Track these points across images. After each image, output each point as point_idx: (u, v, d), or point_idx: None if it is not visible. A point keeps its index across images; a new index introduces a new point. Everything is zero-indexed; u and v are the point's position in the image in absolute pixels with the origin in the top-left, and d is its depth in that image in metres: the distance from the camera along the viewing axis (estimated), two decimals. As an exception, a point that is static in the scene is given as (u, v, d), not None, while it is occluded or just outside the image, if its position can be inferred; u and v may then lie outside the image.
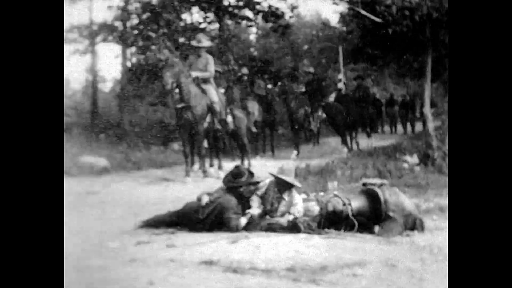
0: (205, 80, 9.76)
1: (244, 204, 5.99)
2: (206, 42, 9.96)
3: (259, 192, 6.04)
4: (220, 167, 10.22)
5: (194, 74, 9.54)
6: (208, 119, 9.67)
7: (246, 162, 10.38)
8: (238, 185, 5.99)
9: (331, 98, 13.36)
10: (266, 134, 13.63)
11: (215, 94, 9.77)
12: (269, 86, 14.34)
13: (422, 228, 5.93)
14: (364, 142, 13.60)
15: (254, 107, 12.57)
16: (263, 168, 6.56)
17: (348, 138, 13.35)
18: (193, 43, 9.96)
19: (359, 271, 4.34)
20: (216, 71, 10.07)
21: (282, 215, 5.88)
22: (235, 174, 6.07)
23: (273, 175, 6.07)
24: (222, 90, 10.35)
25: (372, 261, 4.60)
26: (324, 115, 13.71)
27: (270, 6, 16.44)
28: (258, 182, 6.12)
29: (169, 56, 9.29)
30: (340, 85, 13.92)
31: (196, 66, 9.69)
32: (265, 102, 13.27)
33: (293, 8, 16.55)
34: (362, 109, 13.49)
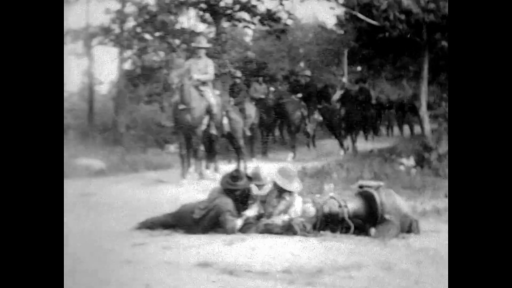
0: (203, 83, 9.78)
1: (241, 206, 6.00)
2: (205, 44, 10.10)
3: (261, 193, 6.04)
4: (216, 169, 10.22)
5: (196, 76, 9.56)
6: (205, 121, 9.66)
7: (242, 165, 10.38)
8: (235, 188, 6.00)
9: (336, 96, 13.33)
10: (264, 137, 13.63)
11: (212, 97, 9.78)
12: (272, 88, 14.32)
13: (418, 230, 5.92)
14: (360, 144, 13.60)
15: (251, 110, 12.57)
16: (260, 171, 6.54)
17: (346, 140, 13.36)
18: (193, 44, 10.13)
19: (355, 273, 4.34)
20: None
21: (279, 213, 5.87)
22: (234, 177, 6.08)
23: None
24: (218, 92, 10.36)
25: (368, 263, 4.60)
26: (321, 118, 13.75)
27: (268, 10, 16.49)
28: (262, 185, 6.15)
29: (174, 56, 9.35)
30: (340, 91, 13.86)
31: (196, 68, 9.71)
32: (263, 105, 13.27)
33: (289, 14, 16.64)
34: (364, 112, 13.46)
